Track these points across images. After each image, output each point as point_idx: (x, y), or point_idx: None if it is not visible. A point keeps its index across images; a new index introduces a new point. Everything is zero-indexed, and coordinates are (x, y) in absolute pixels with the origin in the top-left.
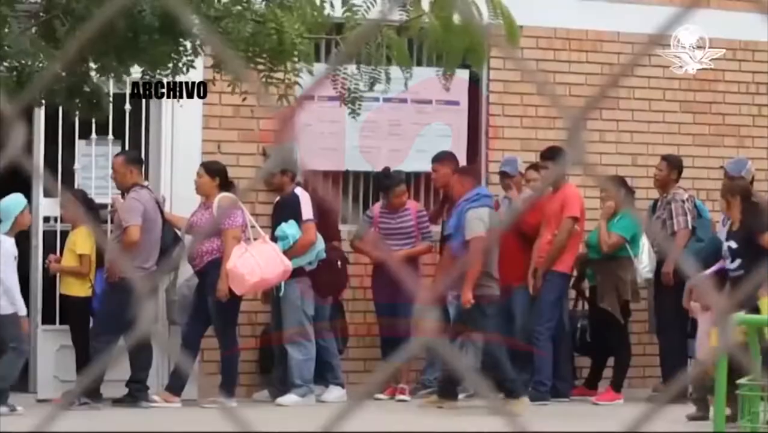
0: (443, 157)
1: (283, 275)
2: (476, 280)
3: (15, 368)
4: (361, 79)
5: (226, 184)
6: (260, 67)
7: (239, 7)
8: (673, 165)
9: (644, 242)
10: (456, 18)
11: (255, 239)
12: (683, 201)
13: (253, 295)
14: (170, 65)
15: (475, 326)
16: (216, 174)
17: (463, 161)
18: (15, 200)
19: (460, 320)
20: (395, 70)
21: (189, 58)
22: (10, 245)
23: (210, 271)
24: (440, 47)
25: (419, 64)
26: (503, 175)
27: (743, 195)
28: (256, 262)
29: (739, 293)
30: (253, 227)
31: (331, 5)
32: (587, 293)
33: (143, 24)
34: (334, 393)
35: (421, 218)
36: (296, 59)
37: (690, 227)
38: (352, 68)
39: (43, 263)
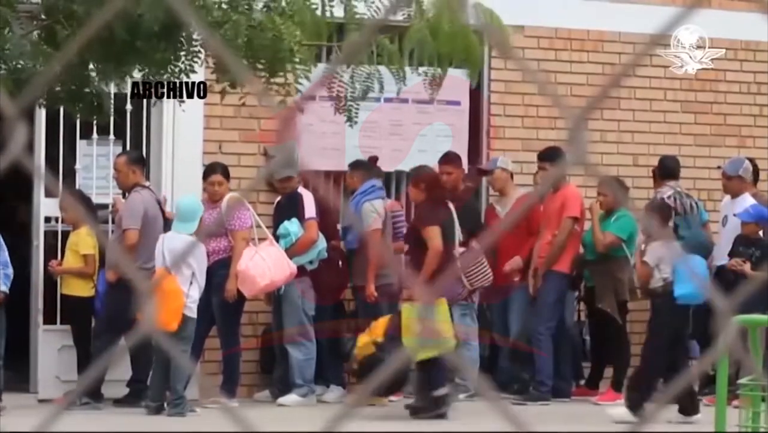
0: (454, 159)
1: (289, 277)
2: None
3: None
4: (353, 87)
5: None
6: (258, 73)
7: (238, 16)
8: (658, 164)
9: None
10: (450, 25)
11: (261, 240)
12: (662, 199)
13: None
14: (170, 69)
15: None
16: (228, 176)
17: (464, 162)
18: (198, 201)
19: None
20: (388, 77)
21: (189, 62)
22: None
23: (217, 271)
24: (433, 55)
25: (420, 64)
26: (480, 171)
27: (429, 185)
28: (267, 265)
29: (738, 293)
30: (258, 227)
31: (331, 13)
32: (583, 294)
33: (142, 29)
34: (335, 393)
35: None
36: (295, 66)
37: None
38: (348, 75)
39: (45, 262)
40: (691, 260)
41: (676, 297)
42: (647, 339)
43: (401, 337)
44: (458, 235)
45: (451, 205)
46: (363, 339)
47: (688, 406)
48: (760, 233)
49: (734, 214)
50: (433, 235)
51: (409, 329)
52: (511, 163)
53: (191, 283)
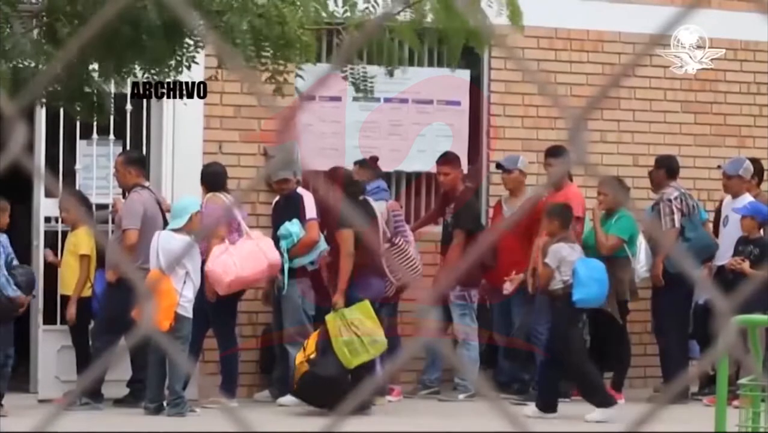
0: (452, 159)
1: (269, 269)
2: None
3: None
4: (364, 69)
5: (215, 186)
6: (264, 60)
7: (241, 2)
8: (660, 164)
9: (641, 241)
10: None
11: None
12: (670, 201)
13: (253, 295)
14: (173, 63)
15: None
16: (209, 181)
17: (464, 162)
18: (192, 200)
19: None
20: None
21: (191, 54)
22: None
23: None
24: (443, 29)
25: (420, 64)
26: (498, 167)
27: (342, 185)
28: (232, 260)
29: (738, 293)
30: (239, 225)
31: (335, 2)
32: None
33: (146, 22)
34: None
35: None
36: (299, 51)
37: (677, 226)
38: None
39: (44, 262)
40: (590, 263)
41: (574, 301)
42: (563, 346)
43: (331, 346)
44: (382, 231)
45: (373, 203)
46: (299, 359)
47: (551, 402)
48: (761, 231)
49: (732, 209)
50: (345, 238)
51: (338, 336)
52: (527, 163)
53: (185, 282)
